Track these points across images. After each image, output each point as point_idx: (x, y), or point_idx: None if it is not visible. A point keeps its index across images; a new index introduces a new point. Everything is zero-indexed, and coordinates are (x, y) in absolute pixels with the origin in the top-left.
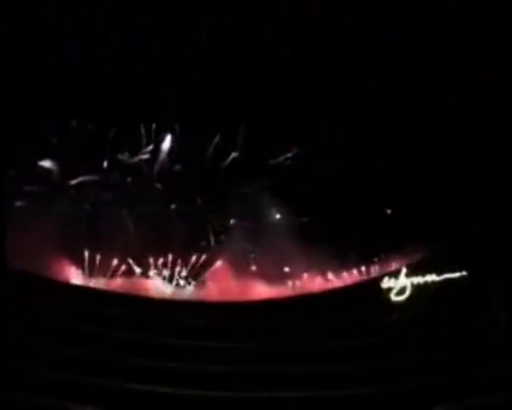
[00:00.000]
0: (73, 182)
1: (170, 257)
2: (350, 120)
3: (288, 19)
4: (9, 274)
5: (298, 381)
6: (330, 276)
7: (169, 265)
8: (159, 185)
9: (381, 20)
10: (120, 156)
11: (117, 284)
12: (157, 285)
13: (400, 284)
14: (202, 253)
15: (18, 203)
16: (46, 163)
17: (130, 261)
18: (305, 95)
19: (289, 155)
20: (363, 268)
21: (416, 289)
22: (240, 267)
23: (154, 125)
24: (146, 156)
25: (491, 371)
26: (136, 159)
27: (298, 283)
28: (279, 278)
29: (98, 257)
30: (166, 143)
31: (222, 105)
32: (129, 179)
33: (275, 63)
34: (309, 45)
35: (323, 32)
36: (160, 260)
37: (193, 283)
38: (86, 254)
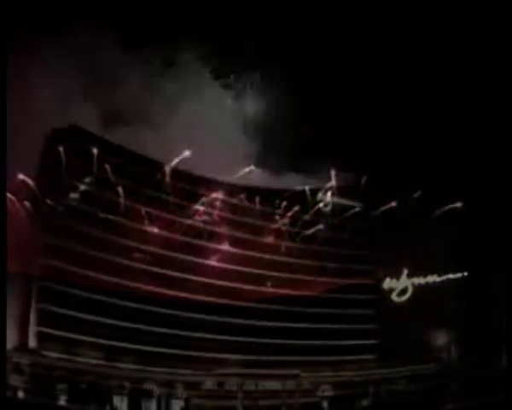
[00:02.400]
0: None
1: None
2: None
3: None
4: (9, 275)
5: (298, 381)
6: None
7: None
8: None
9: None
10: None
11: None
12: None
13: (402, 285)
14: None
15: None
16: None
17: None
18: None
19: None
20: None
21: (417, 289)
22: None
23: None
24: None
25: (491, 371)
26: None
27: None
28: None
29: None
30: None
31: None
32: None
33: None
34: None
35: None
36: None
37: None
38: None
